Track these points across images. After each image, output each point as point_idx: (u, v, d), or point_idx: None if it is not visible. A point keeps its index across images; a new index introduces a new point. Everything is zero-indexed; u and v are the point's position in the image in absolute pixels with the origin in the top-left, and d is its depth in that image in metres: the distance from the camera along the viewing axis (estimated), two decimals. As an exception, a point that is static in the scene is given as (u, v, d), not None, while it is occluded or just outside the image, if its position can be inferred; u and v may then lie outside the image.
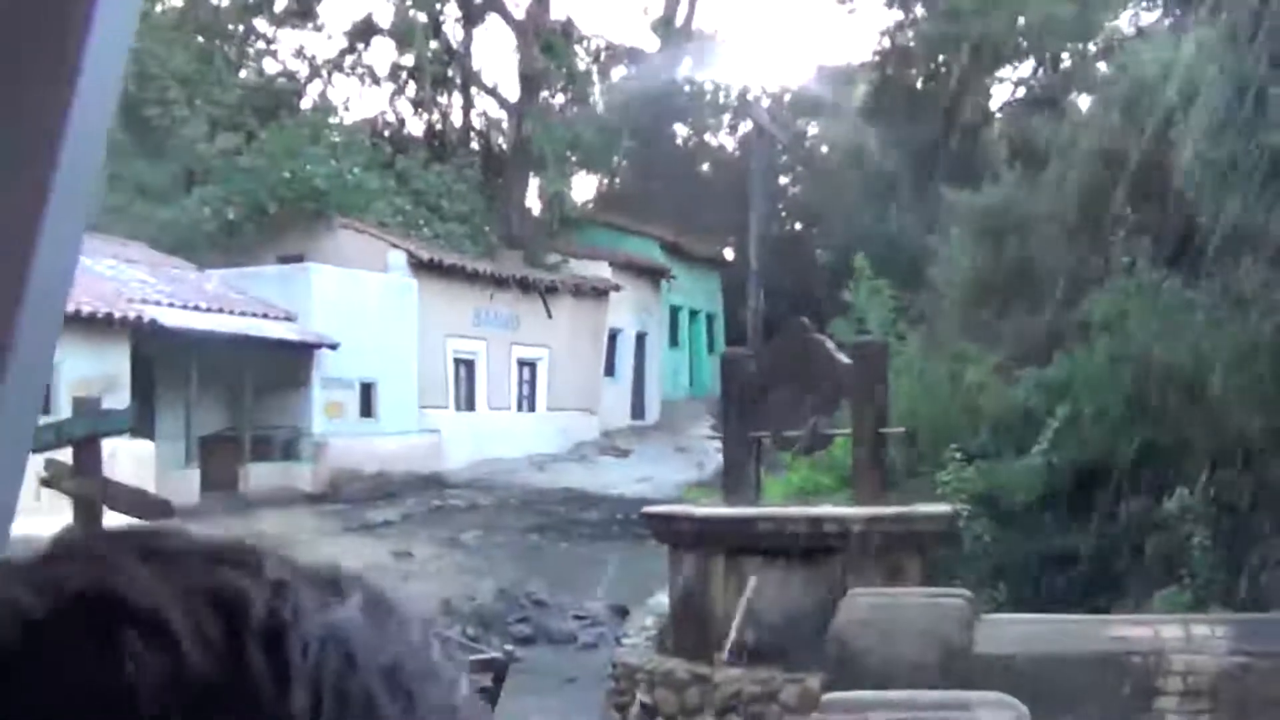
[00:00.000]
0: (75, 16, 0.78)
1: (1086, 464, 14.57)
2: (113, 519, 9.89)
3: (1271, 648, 8.69)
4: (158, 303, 23.10)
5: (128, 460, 16.98)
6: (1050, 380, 15.63)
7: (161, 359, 23.58)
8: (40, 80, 0.79)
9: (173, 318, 22.86)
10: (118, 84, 0.87)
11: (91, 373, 19.65)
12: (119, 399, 19.76)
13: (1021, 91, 36.54)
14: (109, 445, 10.29)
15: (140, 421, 17.12)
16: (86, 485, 9.35)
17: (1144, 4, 27.54)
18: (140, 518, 10.06)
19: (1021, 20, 32.88)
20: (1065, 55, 33.90)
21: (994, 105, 37.39)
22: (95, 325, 20.55)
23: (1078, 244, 17.25)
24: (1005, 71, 36.82)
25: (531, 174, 39.77)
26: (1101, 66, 28.54)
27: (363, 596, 0.57)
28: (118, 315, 21.47)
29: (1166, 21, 20.69)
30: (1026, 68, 36.45)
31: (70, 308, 10.10)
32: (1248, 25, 13.55)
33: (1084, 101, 27.72)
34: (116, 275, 23.70)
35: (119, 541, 0.58)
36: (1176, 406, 13.92)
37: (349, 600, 0.56)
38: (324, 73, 42.33)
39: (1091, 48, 32.43)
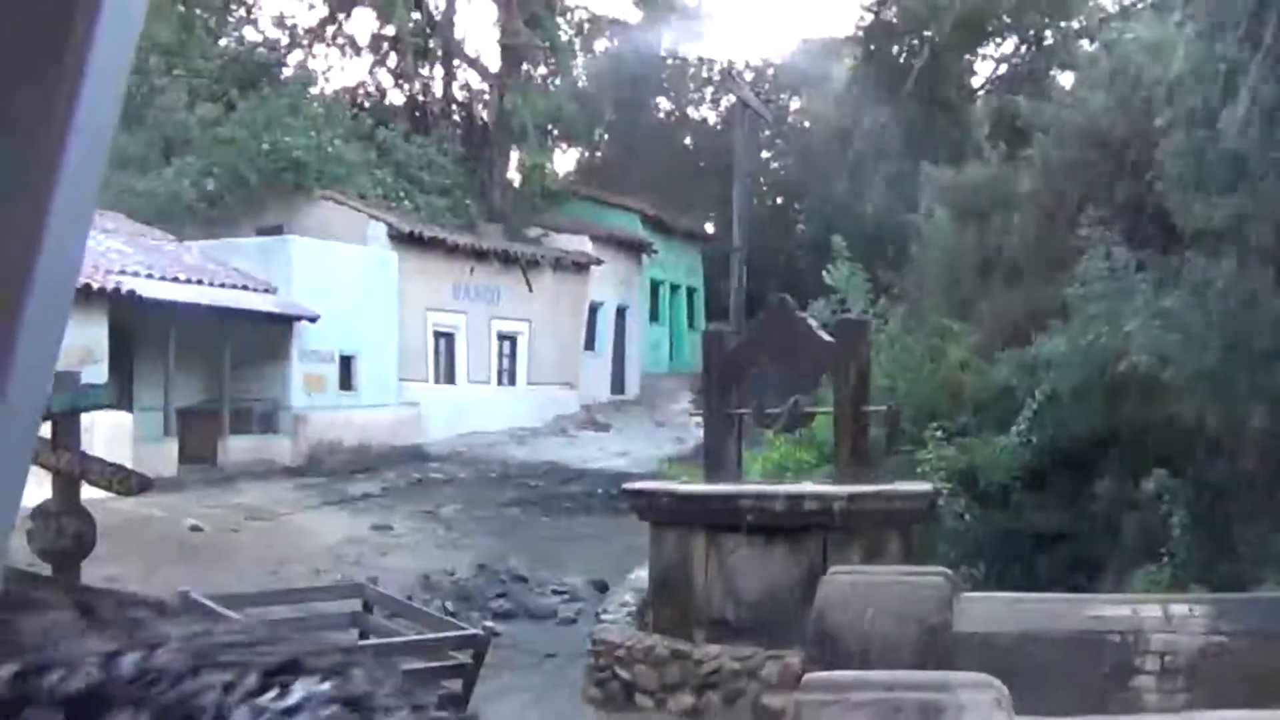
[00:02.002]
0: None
1: (1066, 443, 14.61)
2: (91, 493, 9.85)
3: (1249, 627, 8.72)
4: (136, 274, 22.96)
5: (105, 433, 16.93)
6: (1030, 360, 15.66)
7: (140, 331, 23.47)
8: (47, 66, 0.76)
9: (151, 289, 22.73)
10: (127, 68, 0.84)
11: (69, 344, 19.41)
12: (97, 371, 19.66)
13: (1004, 69, 36.52)
14: (86, 417, 10.23)
15: (118, 393, 17.03)
16: (65, 460, 9.29)
17: (1128, -18, 27.53)
18: (118, 492, 10.02)
19: (1005, -4, 32.89)
20: (1048, 33, 33.89)
21: (977, 82, 37.38)
22: (73, 295, 20.39)
23: (1058, 223, 17.25)
24: (988, 49, 36.81)
25: (513, 147, 39.62)
26: (1084, 44, 28.52)
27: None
28: (95, 286, 21.33)
29: (1150, 0, 20.65)
30: (1009, 45, 36.44)
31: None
32: (1225, 13, 13.51)
33: (1066, 79, 27.71)
34: (94, 246, 23.53)
35: None
36: (1154, 388, 13.95)
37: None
38: (305, 42, 42.09)
39: (1076, 25, 32.43)
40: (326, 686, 0.58)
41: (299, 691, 0.57)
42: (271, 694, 0.56)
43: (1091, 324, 14.87)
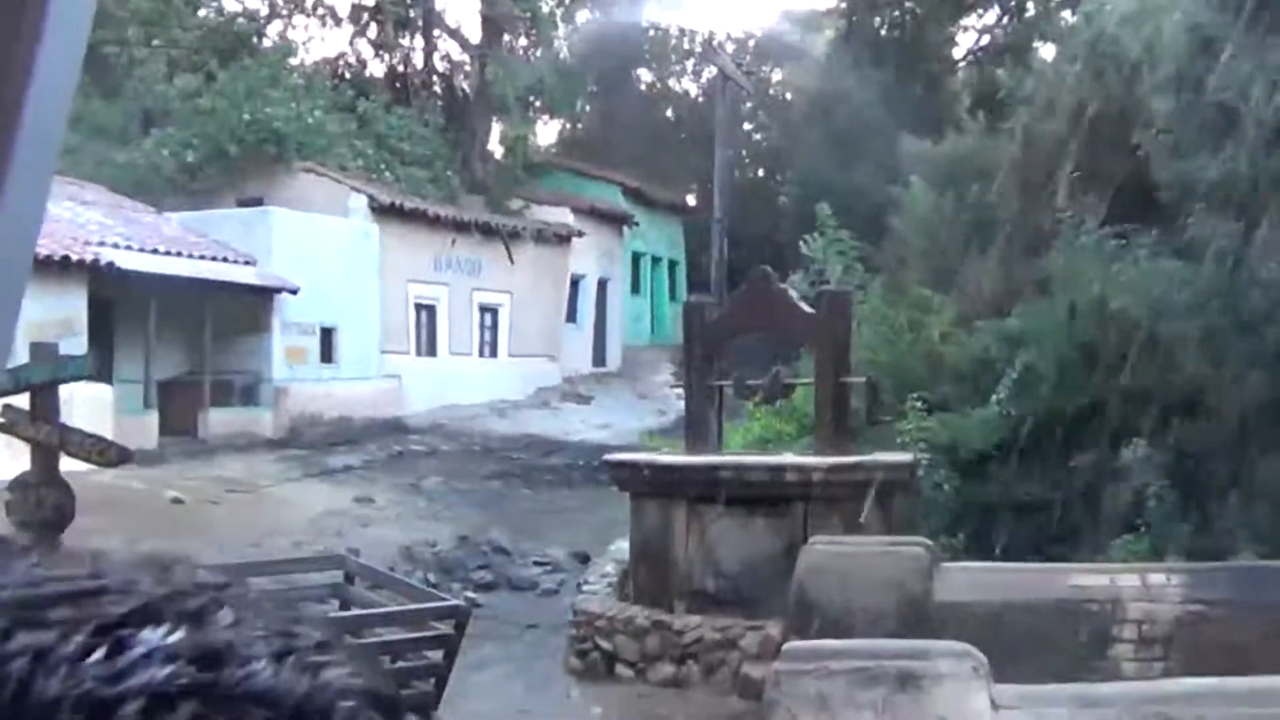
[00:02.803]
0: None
1: (1045, 414, 14.67)
2: (70, 465, 9.83)
3: (1224, 596, 8.79)
4: (115, 245, 22.87)
5: (85, 405, 16.86)
6: (1009, 331, 15.70)
7: (120, 302, 23.39)
8: (4, 24, 0.75)
9: (131, 260, 22.64)
10: (86, 28, 0.84)
11: (48, 316, 19.46)
12: (76, 343, 19.61)
13: (986, 40, 36.48)
14: (65, 389, 10.20)
15: (98, 365, 16.98)
16: (44, 431, 9.27)
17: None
18: (98, 464, 10.01)
19: (987, -33, 32.84)
20: (1029, 4, 33.85)
21: (958, 54, 37.34)
22: (51, 268, 20.34)
23: (1038, 195, 17.29)
24: (970, 20, 36.75)
25: (494, 118, 39.53)
26: (1067, 15, 28.50)
27: None
28: (75, 258, 21.25)
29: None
30: (991, 16, 36.38)
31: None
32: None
33: (1048, 51, 27.70)
34: (73, 217, 23.44)
35: None
36: (1132, 356, 14.02)
37: None
38: (284, 13, 41.83)
39: (1056, -3, 32.36)
40: (175, 638, 0.49)
41: (137, 648, 0.49)
42: (97, 655, 0.48)
43: (1077, 290, 14.92)
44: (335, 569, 11.24)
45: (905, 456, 12.63)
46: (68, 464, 9.64)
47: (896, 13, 35.78)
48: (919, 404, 14.89)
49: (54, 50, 0.76)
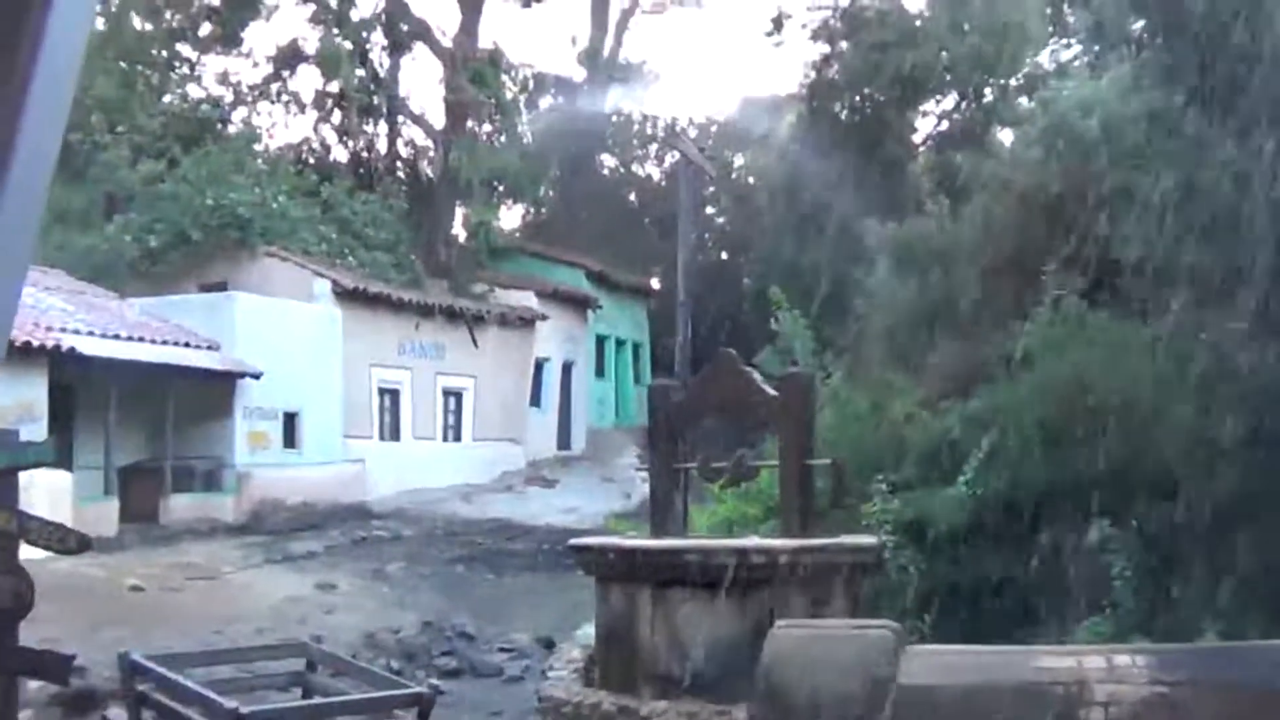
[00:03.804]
0: (25, 44, 0.75)
1: (1010, 494, 14.68)
2: (30, 552, 9.71)
3: (1192, 677, 8.78)
4: (77, 331, 22.77)
5: (44, 491, 16.71)
6: (974, 411, 15.75)
7: (81, 388, 23.25)
8: None
9: (92, 346, 22.54)
10: (65, 114, 0.84)
11: (8, 401, 19.32)
12: (37, 428, 19.45)
13: (945, 125, 36.95)
14: (25, 476, 10.10)
15: (58, 451, 16.82)
16: (3, 518, 9.15)
17: (1064, 41, 27.98)
18: (58, 551, 9.89)
19: (945, 54, 33.33)
20: (988, 90, 34.35)
21: (919, 138, 37.79)
22: (12, 353, 20.20)
23: (1001, 277, 17.43)
24: (929, 105, 37.24)
25: (458, 203, 39.73)
26: (1023, 101, 28.93)
27: None
28: (36, 344, 21.13)
29: (1086, 59, 21.01)
30: (950, 101, 36.88)
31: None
32: (1164, 62, 13.80)
33: (1006, 135, 28.07)
34: (35, 303, 23.35)
35: None
36: (1099, 438, 14.08)
37: None
38: (249, 99, 42.08)
39: (1014, 83, 32.90)
40: None
41: None
42: None
43: (1043, 371, 15.01)
44: (298, 656, 11.12)
45: (871, 539, 12.61)
46: (26, 551, 9.51)
47: (857, 98, 36.22)
48: (884, 485, 14.90)
49: (34, 136, 0.77)
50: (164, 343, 24.66)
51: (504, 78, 40.68)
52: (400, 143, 43.18)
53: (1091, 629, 12.42)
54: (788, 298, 20.07)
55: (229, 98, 41.32)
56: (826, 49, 37.72)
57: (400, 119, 42.36)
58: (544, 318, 36.41)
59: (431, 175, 41.01)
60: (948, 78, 34.85)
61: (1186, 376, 13.33)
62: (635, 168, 52.32)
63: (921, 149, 36.96)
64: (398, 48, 41.38)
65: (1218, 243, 12.93)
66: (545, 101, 44.35)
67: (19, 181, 0.76)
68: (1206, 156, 13.21)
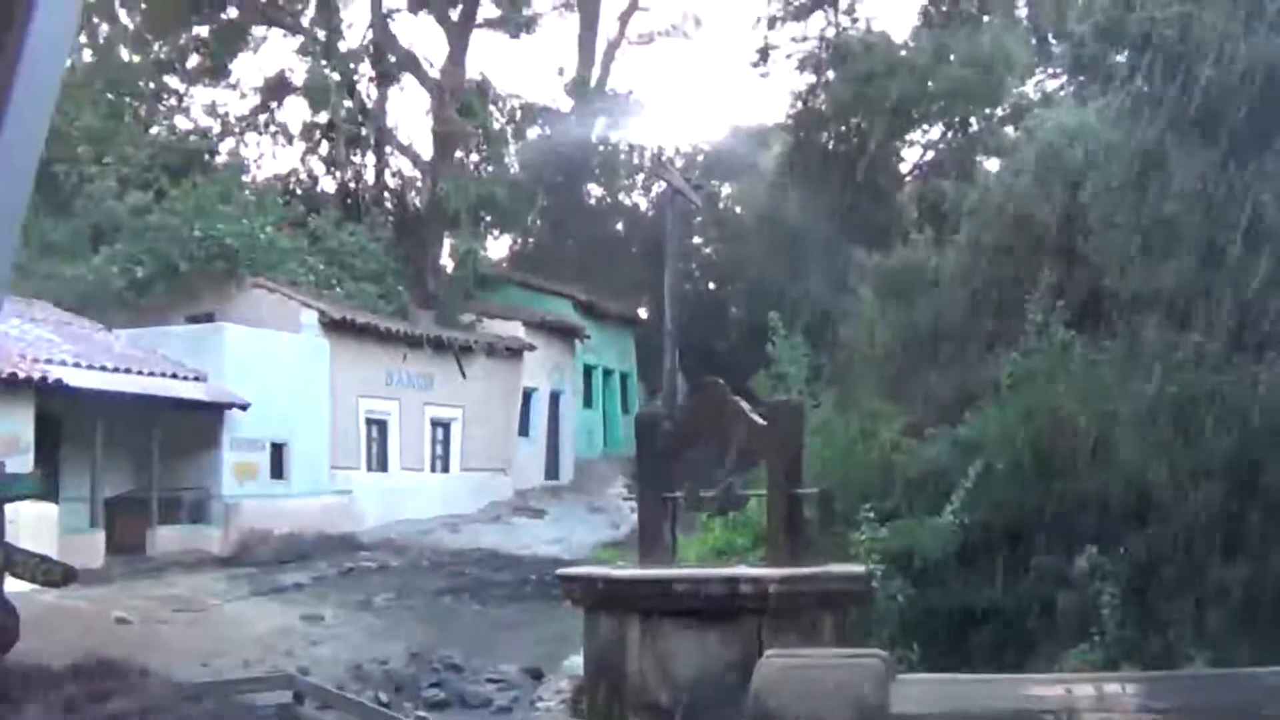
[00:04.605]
0: (3, 62, 0.75)
1: (999, 522, 14.69)
2: (15, 585, 9.67)
3: (1181, 704, 8.76)
4: (63, 362, 22.70)
5: (30, 524, 16.60)
6: (962, 439, 15.77)
7: (67, 419, 23.15)
8: None
9: (78, 378, 22.47)
10: (41, 138, 0.84)
11: (-6, 434, 19.24)
12: (22, 460, 19.37)
13: (931, 155, 37.11)
14: (10, 508, 10.06)
15: (44, 483, 16.75)
16: (-13, 550, 9.12)
17: (1049, 71, 28.13)
18: (43, 584, 9.85)
19: (930, 84, 33.47)
20: (973, 120, 34.50)
21: (905, 168, 37.93)
22: (-2, 385, 20.16)
23: (987, 305, 17.49)
24: (915, 135, 37.40)
25: (446, 233, 39.74)
26: (1009, 131, 29.08)
27: None
28: (22, 375, 21.07)
29: (1070, 89, 21.13)
30: (936, 131, 37.04)
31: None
32: (1149, 95, 13.88)
33: (992, 164, 28.20)
34: (21, 335, 23.28)
35: None
36: (1086, 464, 14.10)
37: None
38: (237, 130, 42.11)
39: (999, 112, 33.06)
40: None
41: None
42: None
43: (1030, 398, 15.03)
44: (285, 689, 11.08)
45: (859, 568, 12.60)
46: (12, 584, 9.48)
47: (843, 128, 36.38)
48: (872, 514, 14.89)
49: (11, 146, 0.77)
50: (151, 374, 24.59)
51: (491, 108, 40.79)
52: (388, 173, 43.24)
53: (1080, 656, 12.41)
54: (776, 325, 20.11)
55: (217, 129, 41.36)
56: (813, 79, 37.94)
57: (388, 149, 42.42)
58: (532, 348, 36.40)
59: (419, 206, 41.04)
60: (933, 108, 35.01)
61: (1165, 399, 13.37)
62: (622, 197, 52.42)
63: (908, 178, 37.10)
64: (385, 79, 41.47)
65: (1196, 268, 13.00)
66: (533, 132, 44.42)
67: None
68: (1185, 185, 13.28)
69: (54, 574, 9.57)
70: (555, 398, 38.86)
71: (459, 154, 40.21)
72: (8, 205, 0.78)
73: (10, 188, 0.78)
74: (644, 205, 51.19)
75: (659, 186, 44.42)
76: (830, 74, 37.11)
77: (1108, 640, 12.60)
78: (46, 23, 0.77)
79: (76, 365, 23.01)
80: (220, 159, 39.30)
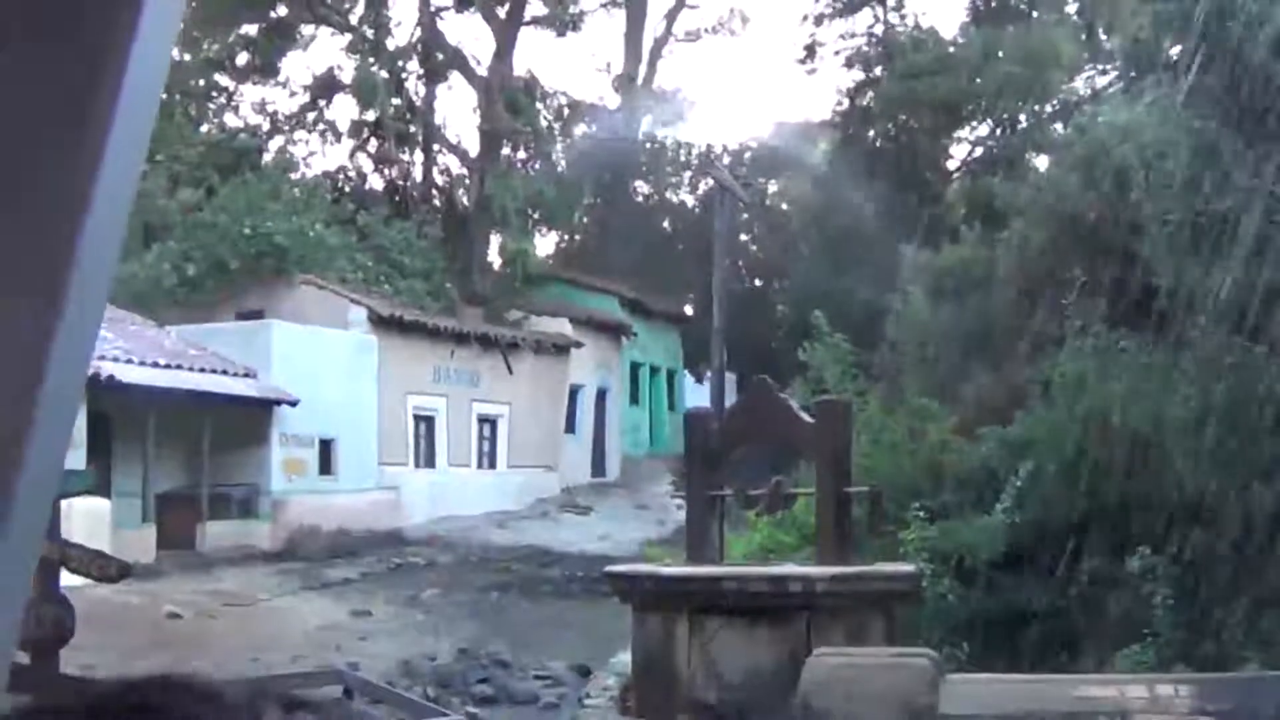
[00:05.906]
0: (108, 70, 0.75)
1: (1049, 522, 14.60)
2: (68, 579, 9.76)
3: (1233, 706, 8.69)
4: (115, 359, 22.89)
5: (83, 519, 16.78)
6: (1012, 438, 15.69)
7: (119, 415, 23.35)
8: (65, 148, 0.76)
9: (130, 374, 22.65)
10: (145, 147, 0.85)
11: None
12: (75, 456, 19.55)
13: (979, 151, 36.90)
14: (64, 504, 10.16)
15: (96, 479, 16.90)
16: (45, 547, 9.21)
17: (1099, 67, 27.93)
18: (98, 579, 9.94)
19: (979, 81, 33.28)
20: (1022, 116, 34.27)
21: (952, 165, 37.75)
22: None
23: (1037, 304, 17.37)
24: (963, 132, 37.20)
25: (493, 231, 39.84)
26: (1058, 128, 28.87)
27: None
28: (75, 371, 21.26)
29: (1121, 84, 20.96)
30: (984, 128, 36.83)
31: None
32: (1207, 88, 13.74)
33: (1041, 162, 28.01)
34: (74, 331, 23.48)
35: None
36: (1137, 465, 13.99)
37: None
38: (286, 128, 42.39)
39: (1048, 108, 32.83)
40: None
41: None
42: None
43: (1080, 399, 14.93)
44: (334, 684, 11.12)
45: (909, 567, 12.56)
46: (66, 579, 9.57)
47: (890, 125, 36.24)
48: (921, 513, 14.83)
49: (113, 174, 0.77)
50: (201, 370, 24.78)
51: (539, 106, 40.85)
52: (435, 171, 43.39)
53: (1132, 657, 12.32)
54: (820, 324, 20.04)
55: (266, 127, 41.68)
56: (860, 76, 37.83)
57: (436, 147, 42.58)
58: (578, 345, 36.43)
59: (466, 203, 41.15)
60: (982, 104, 34.79)
61: (1218, 400, 13.24)
62: (669, 195, 52.42)
63: (956, 175, 36.91)
64: (433, 76, 41.62)
65: (1245, 267, 12.87)
66: (580, 129, 44.49)
67: (100, 219, 0.76)
68: (1240, 180, 13.16)
69: (109, 569, 9.65)
70: (601, 395, 38.90)
71: (506, 151, 40.31)
72: (112, 215, 0.79)
73: (116, 199, 0.79)
74: (691, 203, 51.20)
75: (706, 184, 44.39)
76: (878, 70, 36.99)
77: (1160, 641, 12.51)
78: (151, 26, 0.78)
79: (129, 361, 23.20)
80: (269, 157, 39.57)
